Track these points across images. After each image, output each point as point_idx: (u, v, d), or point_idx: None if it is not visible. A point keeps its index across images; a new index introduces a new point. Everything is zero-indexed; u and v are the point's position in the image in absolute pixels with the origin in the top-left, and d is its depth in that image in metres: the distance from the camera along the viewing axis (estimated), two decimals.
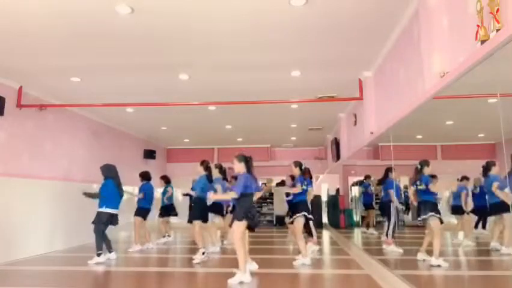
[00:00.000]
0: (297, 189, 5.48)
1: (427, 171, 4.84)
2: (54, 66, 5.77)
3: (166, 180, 8.49)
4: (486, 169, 4.16)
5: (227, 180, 7.02)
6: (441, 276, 4.26)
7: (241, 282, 4.14)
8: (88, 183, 8.67)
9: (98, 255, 5.65)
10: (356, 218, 9.58)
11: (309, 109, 8.52)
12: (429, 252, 4.44)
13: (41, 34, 4.68)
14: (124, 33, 4.69)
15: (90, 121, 8.87)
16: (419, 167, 4.95)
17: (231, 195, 4.48)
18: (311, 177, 6.64)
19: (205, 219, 5.97)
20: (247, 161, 4.57)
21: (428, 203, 4.82)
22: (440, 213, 4.72)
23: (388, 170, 6.07)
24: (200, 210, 5.89)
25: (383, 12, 4.25)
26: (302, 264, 5.09)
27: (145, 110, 8.30)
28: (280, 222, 12.02)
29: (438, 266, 4.27)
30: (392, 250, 5.66)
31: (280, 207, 11.84)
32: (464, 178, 4.97)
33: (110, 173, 5.98)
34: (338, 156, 9.83)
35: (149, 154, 11.93)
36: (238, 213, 4.38)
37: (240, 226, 4.33)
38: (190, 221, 5.93)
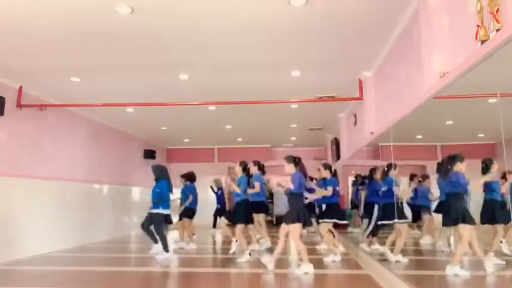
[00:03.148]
0: (329, 192, 5.68)
1: (394, 173, 5.11)
2: (54, 66, 5.77)
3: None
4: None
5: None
6: (441, 276, 4.25)
7: (305, 273, 4.53)
8: (88, 183, 8.70)
9: (167, 251, 5.96)
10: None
11: (309, 109, 8.52)
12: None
13: (41, 34, 4.68)
14: (124, 33, 4.69)
15: (90, 121, 8.87)
16: (386, 168, 5.11)
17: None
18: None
19: (249, 220, 5.98)
20: (296, 161, 4.87)
21: (390, 206, 5.03)
22: (405, 216, 5.05)
23: (372, 170, 6.11)
24: (243, 211, 5.82)
25: (383, 12, 4.25)
26: (332, 260, 5.40)
27: (145, 110, 8.29)
28: (280, 222, 12.00)
29: (397, 261, 4.72)
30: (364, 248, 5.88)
31: (280, 207, 11.83)
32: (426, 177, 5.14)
33: (165, 174, 6.30)
34: (338, 156, 9.83)
35: (149, 154, 11.93)
36: (293, 215, 4.70)
37: (296, 228, 4.69)
38: (233, 223, 5.90)
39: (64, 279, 4.80)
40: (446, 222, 3.99)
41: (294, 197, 4.80)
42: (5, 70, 5.92)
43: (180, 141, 12.75)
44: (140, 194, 11.19)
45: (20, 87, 6.56)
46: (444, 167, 3.83)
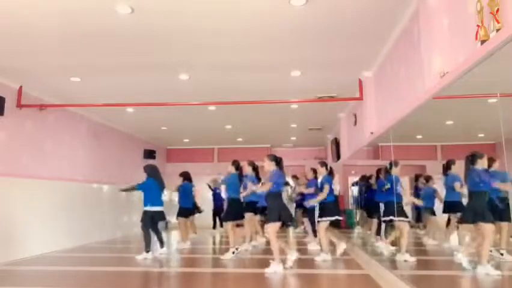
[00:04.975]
0: (325, 193, 5.67)
1: (395, 171, 5.09)
2: (54, 66, 5.78)
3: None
4: (447, 168, 4.29)
5: (259, 180, 6.98)
6: (441, 276, 4.26)
7: (275, 272, 4.58)
8: (88, 183, 8.70)
9: (147, 251, 5.94)
10: (357, 218, 9.60)
11: (309, 109, 8.52)
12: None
13: (41, 34, 4.68)
14: (124, 33, 4.69)
15: (90, 121, 8.88)
16: (388, 166, 5.09)
17: (267, 187, 4.78)
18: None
19: (239, 218, 6.10)
20: (277, 160, 4.97)
21: (391, 204, 5.02)
22: (405, 214, 5.02)
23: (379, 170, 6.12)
24: (235, 210, 5.97)
25: (383, 12, 4.26)
26: (323, 260, 5.39)
27: (145, 110, 8.30)
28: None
29: (405, 260, 4.75)
30: (381, 246, 5.78)
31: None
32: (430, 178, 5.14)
33: (152, 173, 6.42)
34: (338, 156, 9.83)
35: (149, 154, 11.93)
36: (272, 215, 4.75)
37: (274, 227, 4.71)
38: (224, 220, 6.13)
39: (64, 279, 4.79)
40: (465, 220, 3.89)
41: (273, 195, 4.81)
42: (5, 70, 5.92)
43: (180, 141, 12.75)
44: (140, 194, 11.16)
45: (20, 87, 6.57)
46: (466, 166, 3.75)
